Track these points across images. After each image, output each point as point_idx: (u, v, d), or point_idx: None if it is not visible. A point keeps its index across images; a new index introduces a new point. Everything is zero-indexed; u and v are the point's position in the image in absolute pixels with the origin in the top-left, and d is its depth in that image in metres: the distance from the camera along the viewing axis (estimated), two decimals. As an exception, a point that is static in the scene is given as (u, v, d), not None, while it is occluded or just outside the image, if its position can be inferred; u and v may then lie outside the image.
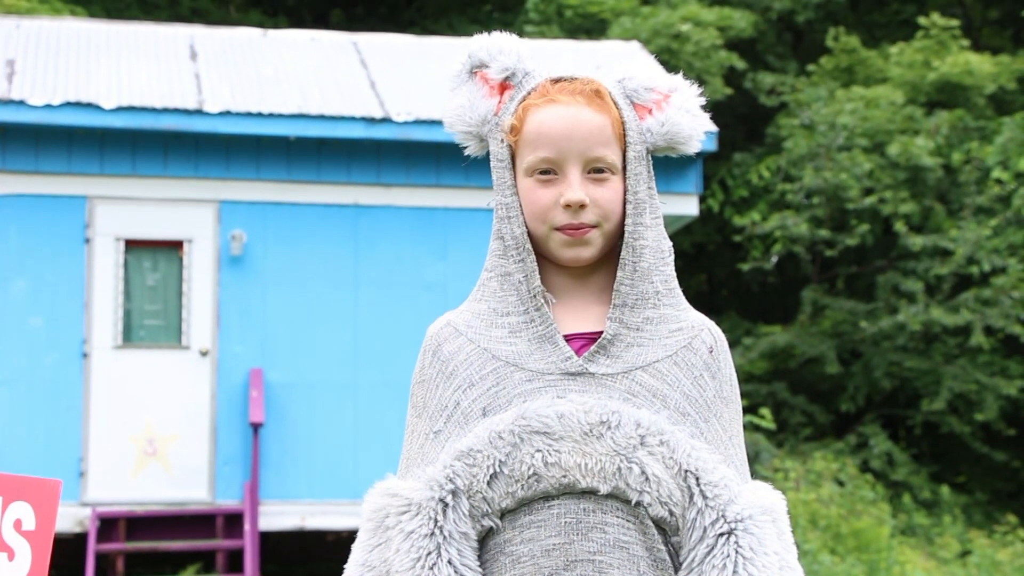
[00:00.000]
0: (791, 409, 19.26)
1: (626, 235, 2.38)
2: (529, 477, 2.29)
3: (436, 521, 2.32)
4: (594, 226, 2.37)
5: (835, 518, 14.59)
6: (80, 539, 12.06)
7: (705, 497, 2.30)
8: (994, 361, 18.61)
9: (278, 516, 12.18)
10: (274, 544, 13.34)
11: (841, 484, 16.43)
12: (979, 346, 18.08)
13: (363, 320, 12.67)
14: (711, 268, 22.78)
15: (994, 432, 19.17)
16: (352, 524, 12.17)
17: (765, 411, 16.07)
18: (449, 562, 2.30)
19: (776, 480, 15.25)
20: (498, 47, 2.46)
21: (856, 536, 14.11)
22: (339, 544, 13.06)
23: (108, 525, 11.98)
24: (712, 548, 2.29)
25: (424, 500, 2.34)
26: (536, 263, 2.40)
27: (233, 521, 12.24)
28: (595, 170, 2.37)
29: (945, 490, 17.83)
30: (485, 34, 2.48)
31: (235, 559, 12.49)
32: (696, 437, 2.35)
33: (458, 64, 2.48)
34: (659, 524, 2.31)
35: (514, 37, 2.46)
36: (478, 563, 2.34)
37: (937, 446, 20.12)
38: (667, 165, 12.51)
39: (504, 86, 2.45)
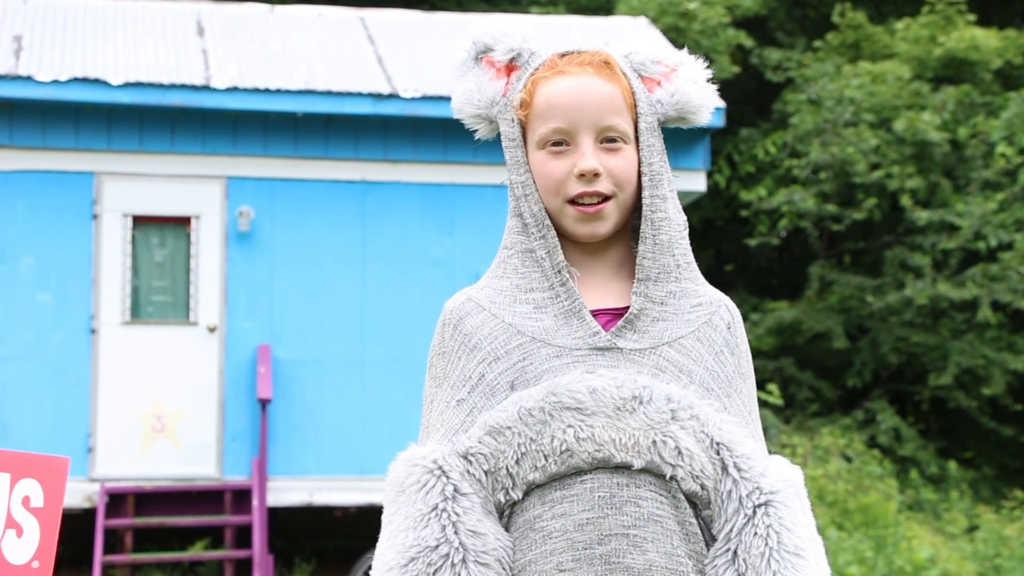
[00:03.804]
0: (798, 385, 19.27)
1: (644, 208, 2.38)
2: (562, 452, 2.27)
3: (447, 478, 2.31)
4: (609, 196, 2.36)
5: (842, 494, 14.60)
6: (89, 515, 12.10)
7: (739, 469, 2.32)
8: (1001, 336, 18.61)
9: (286, 492, 12.20)
10: (282, 520, 13.37)
11: (848, 460, 16.45)
12: (986, 321, 18.09)
13: (370, 296, 12.67)
14: (719, 244, 22.77)
15: (1001, 407, 19.18)
16: (359, 499, 12.21)
17: (772, 387, 16.07)
18: (448, 517, 2.28)
19: (784, 456, 15.25)
20: (502, 30, 2.46)
21: (863, 512, 14.12)
22: (347, 519, 13.10)
23: (116, 501, 12.02)
24: (751, 518, 2.30)
25: (443, 456, 2.32)
26: (557, 238, 2.39)
27: (241, 497, 12.27)
28: (608, 139, 2.37)
29: (952, 465, 17.85)
30: (488, 20, 2.49)
31: (243, 535, 12.53)
32: (721, 412, 2.36)
33: (463, 52, 2.48)
34: (690, 498, 2.32)
35: (517, 19, 2.48)
36: (499, 527, 2.33)
37: (944, 421, 20.14)
38: (675, 141, 12.45)
39: (510, 67, 2.46)
